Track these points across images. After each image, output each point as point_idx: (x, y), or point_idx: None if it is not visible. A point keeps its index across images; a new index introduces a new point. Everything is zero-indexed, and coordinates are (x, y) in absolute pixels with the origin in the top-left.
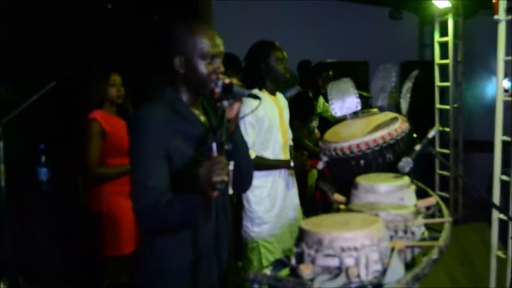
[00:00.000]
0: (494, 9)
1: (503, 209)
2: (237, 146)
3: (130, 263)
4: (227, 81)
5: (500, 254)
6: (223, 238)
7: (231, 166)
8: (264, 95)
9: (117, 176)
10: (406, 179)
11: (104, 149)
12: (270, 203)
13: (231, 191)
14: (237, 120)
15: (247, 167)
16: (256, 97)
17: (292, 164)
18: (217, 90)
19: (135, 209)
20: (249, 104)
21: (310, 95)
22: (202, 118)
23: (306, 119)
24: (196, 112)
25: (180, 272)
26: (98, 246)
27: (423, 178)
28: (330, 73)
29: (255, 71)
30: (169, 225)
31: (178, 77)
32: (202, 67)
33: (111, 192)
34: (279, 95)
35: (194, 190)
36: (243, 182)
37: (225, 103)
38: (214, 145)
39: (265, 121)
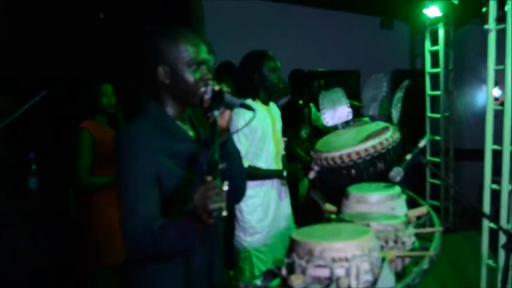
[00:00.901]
0: (484, 18)
1: (493, 218)
2: (229, 156)
3: (122, 281)
4: (217, 88)
5: (491, 262)
6: (217, 257)
7: (226, 187)
8: (257, 104)
9: (108, 185)
10: (397, 189)
11: (94, 159)
12: (263, 212)
13: (225, 213)
14: (228, 130)
15: (241, 177)
16: (249, 107)
17: (285, 173)
18: (207, 97)
19: (126, 237)
20: (243, 115)
21: (301, 103)
22: (191, 133)
23: (297, 128)
24: (184, 126)
25: None
26: (89, 257)
27: (414, 187)
28: (322, 82)
29: (248, 81)
30: (162, 253)
31: (164, 89)
32: (189, 75)
33: (102, 203)
34: (272, 105)
35: (188, 216)
36: (236, 193)
37: (216, 113)
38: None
39: (258, 131)
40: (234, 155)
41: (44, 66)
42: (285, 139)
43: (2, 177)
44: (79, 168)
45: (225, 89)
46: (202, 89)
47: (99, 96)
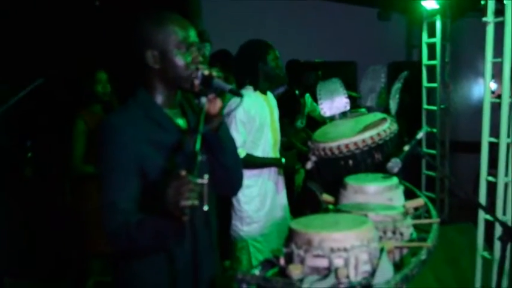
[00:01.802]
0: (483, 11)
1: (489, 209)
2: (222, 144)
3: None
4: (206, 72)
5: (486, 254)
6: (204, 254)
7: (205, 180)
8: (256, 93)
9: None
10: (395, 180)
11: (89, 147)
12: (260, 202)
13: (206, 208)
14: (220, 116)
15: (236, 166)
16: (237, 93)
17: (283, 160)
18: (197, 82)
19: (105, 229)
20: (235, 99)
21: (297, 93)
22: (180, 121)
23: (293, 118)
24: (173, 114)
25: None
26: (83, 245)
27: (409, 179)
28: (319, 73)
29: (251, 70)
30: (139, 248)
31: (153, 74)
32: (179, 58)
33: (95, 189)
34: (270, 94)
35: (164, 212)
36: (232, 183)
37: (203, 100)
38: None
39: (256, 120)
40: (227, 143)
41: (39, 53)
42: (284, 139)
43: None
44: (73, 156)
45: (215, 73)
46: (194, 73)
47: (94, 83)
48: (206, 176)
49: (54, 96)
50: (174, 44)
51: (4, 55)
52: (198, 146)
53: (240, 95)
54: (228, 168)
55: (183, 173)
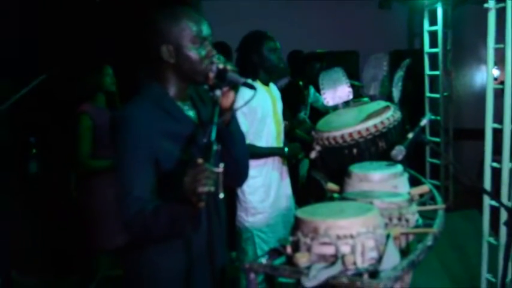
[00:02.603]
0: None
1: (494, 195)
2: (233, 137)
3: (123, 265)
4: (221, 66)
5: (492, 240)
6: (217, 243)
7: (221, 169)
8: (257, 85)
9: (108, 168)
10: (399, 167)
11: (93, 142)
12: (264, 193)
13: (221, 195)
14: (232, 110)
15: (244, 159)
16: (251, 86)
17: (286, 150)
18: (211, 75)
19: (121, 218)
20: (242, 94)
21: (301, 84)
22: (192, 113)
23: (296, 109)
24: (185, 107)
25: (172, 281)
26: (91, 241)
27: (413, 167)
28: (324, 64)
29: (248, 62)
30: (155, 236)
31: (168, 68)
32: (194, 52)
33: (102, 186)
34: (272, 86)
35: (180, 200)
36: (239, 174)
37: (218, 92)
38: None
39: (258, 111)
40: (237, 136)
41: (41, 50)
42: (286, 122)
43: (2, 161)
44: (80, 152)
45: (229, 67)
46: (208, 67)
47: (102, 76)
48: (221, 165)
49: (57, 92)
50: (189, 38)
51: (7, 52)
52: (213, 136)
53: (254, 88)
54: (237, 160)
55: (200, 161)
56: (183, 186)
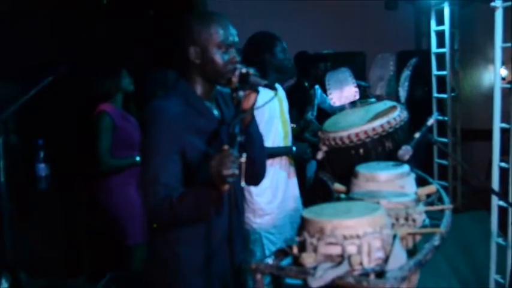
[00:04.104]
0: None
1: (502, 195)
2: (252, 138)
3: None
4: (244, 70)
5: (500, 240)
6: (237, 232)
7: (243, 158)
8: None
9: (128, 167)
10: (406, 167)
11: (113, 141)
12: (272, 194)
13: (243, 184)
14: (252, 111)
15: (262, 159)
16: (272, 88)
17: (294, 149)
18: (234, 79)
19: (146, 204)
20: (262, 96)
21: (307, 85)
22: (215, 111)
23: (303, 110)
24: (209, 105)
25: (193, 267)
26: (119, 238)
27: (421, 168)
28: (328, 64)
29: (259, 62)
30: (180, 220)
31: (194, 68)
32: (218, 57)
33: (119, 184)
34: (278, 86)
35: (205, 183)
36: (256, 175)
37: (241, 93)
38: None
39: (265, 112)
40: (256, 138)
41: (50, 52)
42: (294, 125)
43: (10, 164)
44: (101, 151)
45: (251, 71)
46: (230, 71)
47: (120, 78)
48: (244, 155)
49: (66, 94)
50: (215, 43)
51: (16, 53)
52: (237, 128)
53: (275, 89)
54: (255, 160)
55: (226, 147)
56: (209, 170)
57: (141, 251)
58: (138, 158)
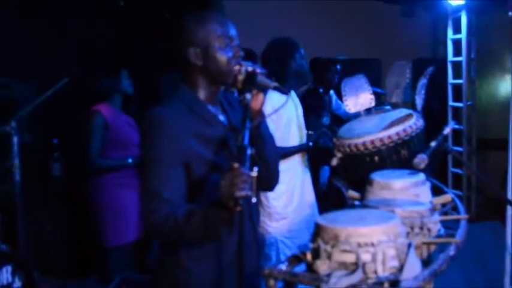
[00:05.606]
0: (508, 5)
1: None
2: (263, 139)
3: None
4: (250, 69)
5: None
6: (250, 248)
7: (255, 173)
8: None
9: (118, 168)
10: (422, 176)
11: (106, 141)
12: (288, 198)
13: (254, 200)
14: (262, 113)
15: (274, 162)
16: (283, 91)
17: (310, 144)
18: (240, 78)
19: (148, 221)
20: (271, 99)
21: (321, 91)
22: (221, 116)
23: (318, 115)
24: (214, 110)
25: (205, 282)
26: (101, 238)
27: (436, 177)
28: (337, 67)
29: (280, 67)
30: (187, 239)
31: (196, 71)
32: (221, 53)
33: (111, 184)
34: (292, 91)
35: (215, 203)
36: (270, 179)
37: (248, 96)
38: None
39: (284, 116)
40: (267, 139)
41: (65, 52)
42: (311, 132)
43: (25, 163)
44: (90, 150)
45: (258, 70)
46: (236, 68)
47: (119, 78)
48: (255, 169)
49: (80, 94)
50: (215, 40)
51: (30, 55)
52: (246, 140)
53: (286, 92)
54: (268, 163)
55: (236, 165)
56: (219, 190)
57: (119, 253)
58: (130, 160)
